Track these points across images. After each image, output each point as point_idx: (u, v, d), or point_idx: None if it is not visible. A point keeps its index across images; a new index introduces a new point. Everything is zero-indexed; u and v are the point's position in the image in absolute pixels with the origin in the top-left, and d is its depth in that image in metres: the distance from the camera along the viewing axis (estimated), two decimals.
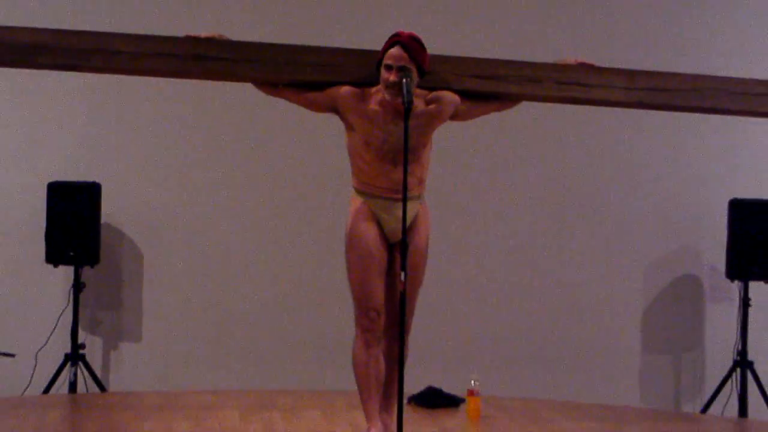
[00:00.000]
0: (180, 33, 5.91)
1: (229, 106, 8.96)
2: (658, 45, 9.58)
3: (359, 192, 5.83)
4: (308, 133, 8.15)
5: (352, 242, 5.81)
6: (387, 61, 5.56)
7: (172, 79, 6.31)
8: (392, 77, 5.52)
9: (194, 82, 6.75)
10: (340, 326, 6.05)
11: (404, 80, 5.40)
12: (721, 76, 6.43)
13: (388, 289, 5.78)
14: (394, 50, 5.55)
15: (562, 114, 8.52)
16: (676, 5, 9.82)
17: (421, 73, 5.60)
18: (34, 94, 9.21)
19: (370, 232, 5.75)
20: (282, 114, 6.64)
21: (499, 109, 6.13)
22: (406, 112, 5.34)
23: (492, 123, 7.09)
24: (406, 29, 5.69)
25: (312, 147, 8.83)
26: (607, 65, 6.26)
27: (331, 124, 6.01)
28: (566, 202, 9.74)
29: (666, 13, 9.77)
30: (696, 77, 6.38)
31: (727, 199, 9.34)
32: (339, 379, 6.29)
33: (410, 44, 5.54)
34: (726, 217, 9.31)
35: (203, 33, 5.82)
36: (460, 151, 8.89)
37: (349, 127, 5.80)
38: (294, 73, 5.82)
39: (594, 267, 9.76)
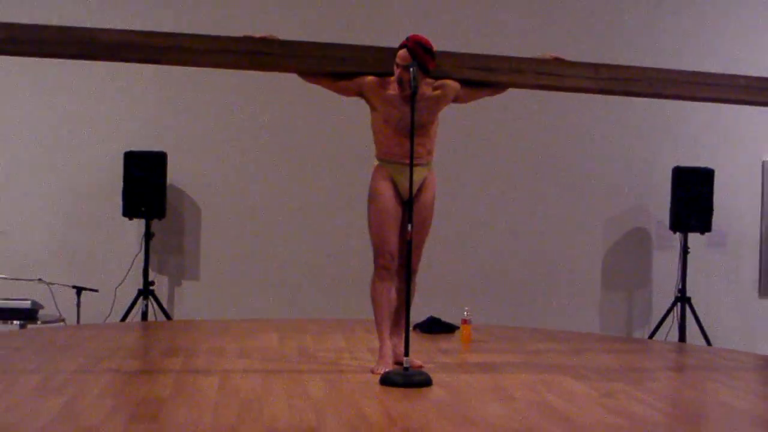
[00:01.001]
0: (237, 33, 5.96)
1: (272, 91, 8.96)
2: (620, 43, 9.59)
3: (380, 159, 5.89)
4: (336, 113, 8.16)
5: (373, 198, 5.88)
6: (396, 60, 5.65)
7: (228, 70, 6.34)
8: (398, 73, 5.63)
9: (244, 72, 6.79)
10: (359, 268, 6.10)
11: (411, 69, 5.48)
12: (665, 69, 6.44)
13: (401, 238, 5.85)
14: (402, 52, 5.63)
15: (538, 100, 8.53)
16: (632, 12, 9.81)
17: (425, 69, 5.66)
18: (114, 81, 9.24)
19: (387, 191, 5.82)
20: (316, 97, 6.67)
21: (491, 94, 6.18)
22: (412, 95, 5.44)
23: (485, 108, 7.11)
24: (418, 32, 5.74)
25: (339, 124, 8.85)
26: (577, 59, 6.29)
27: (357, 107, 6.05)
28: (542, 169, 9.75)
29: (625, 17, 9.76)
30: (646, 69, 6.38)
31: (671, 167, 9.37)
32: (358, 311, 6.34)
33: (414, 48, 5.61)
34: (670, 181, 9.35)
35: (257, 34, 5.87)
36: (462, 130, 8.89)
37: (373, 108, 5.86)
38: (329, 65, 5.86)
39: (563, 221, 9.78)
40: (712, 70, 6.74)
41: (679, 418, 4.83)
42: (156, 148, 9.02)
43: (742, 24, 9.93)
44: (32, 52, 5.83)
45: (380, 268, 5.89)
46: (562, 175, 9.79)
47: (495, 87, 6.16)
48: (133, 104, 9.37)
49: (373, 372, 5.67)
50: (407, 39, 5.67)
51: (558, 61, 6.19)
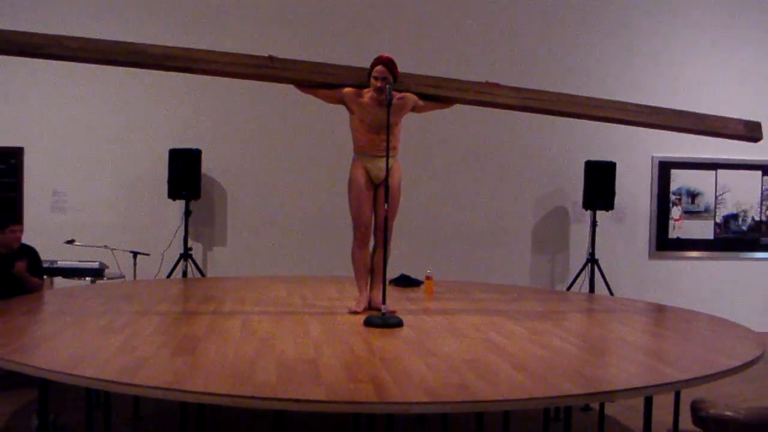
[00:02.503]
0: (248, 51, 5.96)
1: (283, 101, 8.96)
2: (545, 72, 9.60)
3: (356, 152, 5.90)
4: (328, 118, 8.14)
5: (351, 184, 5.89)
6: (375, 74, 5.63)
7: (246, 81, 6.32)
8: (378, 84, 5.62)
9: (262, 87, 6.79)
10: (346, 237, 6.10)
11: (387, 86, 5.49)
12: (571, 94, 6.41)
13: (374, 214, 5.90)
14: (379, 67, 5.62)
15: (485, 112, 8.52)
16: (556, 47, 9.83)
17: (394, 79, 5.67)
18: (162, 95, 9.25)
19: (362, 177, 5.83)
20: (314, 106, 6.65)
21: (442, 108, 6.13)
22: (388, 104, 5.44)
23: (446, 118, 7.11)
24: (385, 53, 5.74)
25: (330, 126, 8.81)
26: (509, 84, 6.27)
27: (341, 113, 6.04)
28: (488, 163, 9.78)
29: (547, 52, 9.78)
30: (557, 93, 6.34)
31: (584, 161, 9.43)
32: (347, 270, 6.36)
33: (388, 63, 5.62)
34: (583, 171, 9.39)
35: (264, 54, 5.87)
36: (430, 133, 8.90)
37: (351, 112, 5.84)
38: (317, 78, 5.84)
39: (503, 201, 9.81)
40: (635, 99, 6.83)
41: (587, 349, 4.87)
42: (193, 146, 9.03)
43: (661, 59, 10.01)
44: (95, 60, 5.76)
45: (358, 238, 5.94)
46: (502, 167, 9.83)
47: (444, 101, 6.12)
48: (175, 114, 9.39)
49: (350, 310, 5.83)
50: (379, 57, 5.68)
51: (492, 84, 6.18)
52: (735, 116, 6.69)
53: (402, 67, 5.78)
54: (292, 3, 9.52)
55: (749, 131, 6.58)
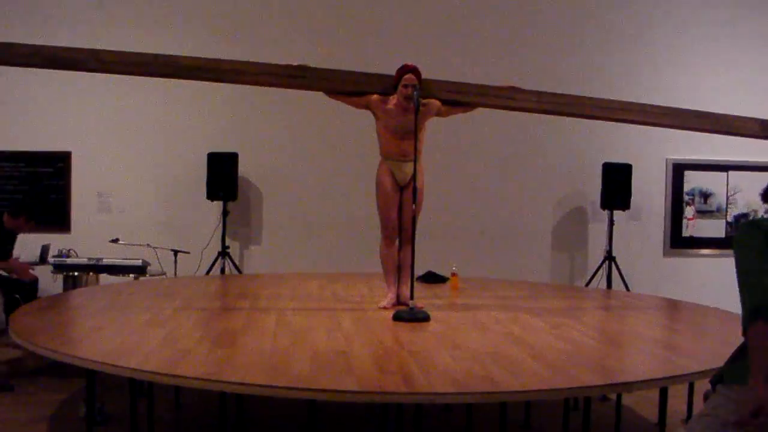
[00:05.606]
0: (280, 62, 5.96)
1: (314, 108, 8.97)
2: (561, 76, 9.56)
3: (383, 157, 5.89)
4: (357, 123, 8.14)
5: (378, 187, 5.89)
6: (404, 81, 5.61)
7: (280, 89, 6.30)
8: (408, 91, 5.59)
9: (293, 94, 6.80)
10: (375, 236, 6.10)
11: (415, 93, 5.47)
12: (592, 97, 6.37)
13: (400, 213, 5.88)
14: (409, 75, 5.61)
15: (509, 118, 8.49)
16: (572, 54, 9.79)
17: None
18: (201, 103, 9.30)
19: (388, 180, 5.83)
20: (344, 113, 6.65)
21: (464, 111, 6.08)
22: (416, 110, 5.43)
23: (473, 122, 7.10)
24: (410, 62, 5.73)
25: (359, 132, 8.82)
26: (527, 88, 6.23)
27: (368, 120, 6.04)
28: (512, 166, 9.77)
29: (565, 57, 9.74)
30: (578, 97, 6.28)
31: (602, 162, 9.37)
32: (376, 267, 6.35)
33: (416, 72, 5.62)
34: (600, 173, 9.34)
35: (294, 63, 5.87)
36: (446, 136, 8.90)
37: (377, 118, 5.84)
38: (345, 86, 5.84)
39: (526, 201, 9.78)
40: (654, 101, 6.71)
41: (605, 342, 4.85)
42: (230, 150, 9.07)
43: (680, 61, 9.93)
44: (130, 72, 5.80)
45: (385, 237, 5.96)
46: (524, 169, 9.80)
47: (466, 105, 6.09)
48: (213, 120, 9.44)
49: (379, 306, 5.83)
50: (407, 65, 5.67)
51: (512, 88, 6.14)
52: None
53: (424, 73, 5.77)
54: (319, 13, 9.55)
55: (765, 131, 6.51)
